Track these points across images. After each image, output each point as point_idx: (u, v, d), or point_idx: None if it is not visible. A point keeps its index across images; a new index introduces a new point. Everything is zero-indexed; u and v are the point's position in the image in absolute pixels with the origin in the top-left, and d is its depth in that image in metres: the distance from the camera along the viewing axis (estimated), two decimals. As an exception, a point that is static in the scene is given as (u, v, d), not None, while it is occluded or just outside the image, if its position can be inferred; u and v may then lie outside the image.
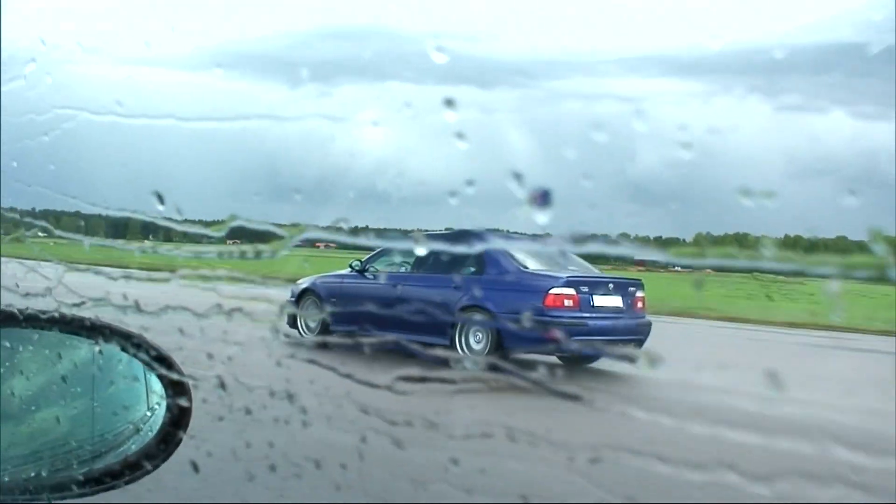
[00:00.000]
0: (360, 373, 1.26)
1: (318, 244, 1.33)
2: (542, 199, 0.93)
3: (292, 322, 10.38)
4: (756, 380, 0.85)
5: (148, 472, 1.41)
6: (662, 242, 0.96)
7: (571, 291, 9.86)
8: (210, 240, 1.26)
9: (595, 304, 10.04)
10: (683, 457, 0.92)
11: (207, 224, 1.28)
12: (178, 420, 1.43)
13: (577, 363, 9.04)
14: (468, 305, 10.22)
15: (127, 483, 1.40)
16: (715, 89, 0.94)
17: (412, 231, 1.19)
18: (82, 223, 1.55)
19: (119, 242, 1.50)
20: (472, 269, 10.42)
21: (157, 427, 1.44)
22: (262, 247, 1.17)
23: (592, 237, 0.92)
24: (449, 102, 0.97)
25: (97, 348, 1.45)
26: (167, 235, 1.38)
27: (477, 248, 1.13)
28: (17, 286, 1.52)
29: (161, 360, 1.43)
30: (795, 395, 0.93)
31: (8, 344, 1.44)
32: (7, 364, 1.45)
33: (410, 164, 1.36)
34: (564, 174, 0.99)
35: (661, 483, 1.10)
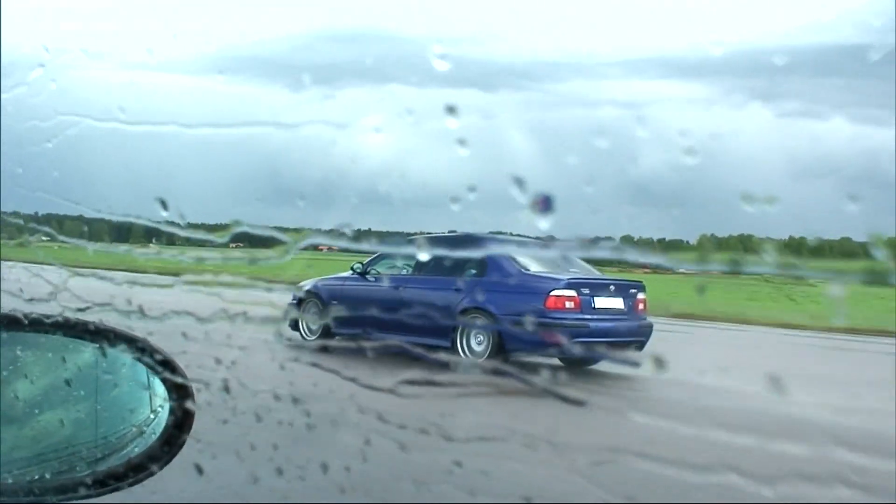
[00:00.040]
0: (364, 376, 1.27)
1: (320, 247, 1.34)
2: (545, 204, 0.94)
3: (294, 325, 10.38)
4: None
5: (152, 475, 1.42)
6: (667, 245, 0.97)
7: (573, 293, 9.86)
8: (213, 244, 1.26)
9: (596, 306, 10.04)
10: (684, 458, 0.93)
11: (211, 229, 1.29)
12: (181, 423, 1.43)
13: (578, 365, 9.03)
14: (469, 308, 10.22)
15: (130, 485, 1.40)
16: (716, 92, 0.95)
17: (415, 234, 1.19)
18: (86, 228, 1.56)
19: (123, 247, 1.51)
20: (474, 272, 10.42)
21: (160, 430, 1.44)
22: (265, 251, 1.18)
23: (598, 241, 0.92)
24: (451, 109, 0.98)
25: (101, 352, 1.46)
26: (171, 240, 1.38)
27: (479, 251, 1.13)
28: (21, 291, 1.53)
29: (165, 363, 1.44)
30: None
31: (12, 348, 1.45)
32: (11, 367, 1.46)
33: (412, 168, 1.37)
34: (567, 178, 1.00)
35: (662, 484, 1.10)
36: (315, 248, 1.30)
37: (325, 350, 1.55)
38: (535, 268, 10.21)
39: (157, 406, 1.47)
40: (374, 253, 10.64)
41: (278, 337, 1.29)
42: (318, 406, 1.45)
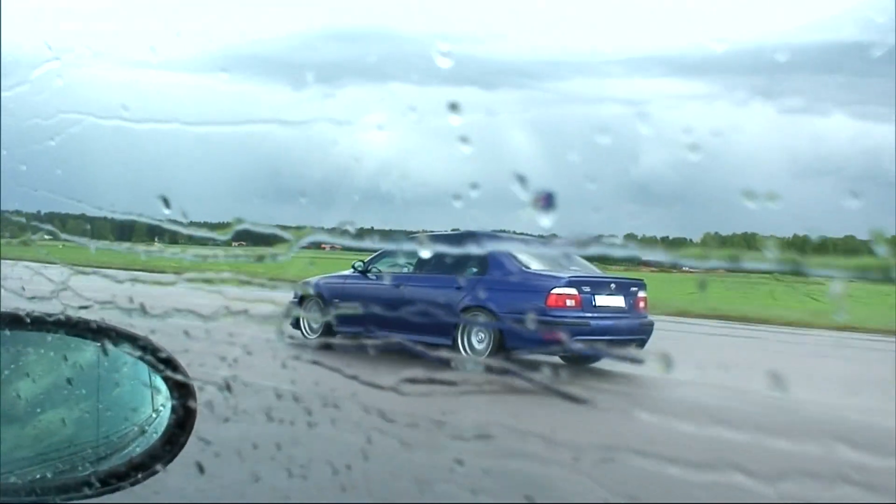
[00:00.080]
0: (365, 374, 1.27)
1: (323, 245, 1.34)
2: (546, 201, 0.94)
3: (296, 323, 10.38)
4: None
5: (153, 474, 1.42)
6: (670, 243, 0.96)
7: (573, 291, 9.87)
8: (216, 242, 1.26)
9: (597, 304, 10.04)
10: (686, 457, 0.93)
11: (213, 227, 1.29)
12: (183, 422, 1.43)
13: (579, 363, 9.04)
14: (471, 306, 10.23)
15: (132, 484, 1.40)
16: (719, 90, 0.95)
17: (417, 233, 1.19)
18: (88, 226, 1.56)
19: (125, 245, 1.51)
20: (475, 270, 10.42)
21: (162, 429, 1.44)
22: (266, 249, 1.18)
23: (600, 239, 0.92)
24: (453, 106, 0.98)
25: (103, 351, 1.46)
26: (174, 239, 1.38)
27: (480, 249, 1.13)
28: (23, 289, 1.53)
29: (166, 362, 1.44)
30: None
31: (13, 347, 1.45)
32: (13, 366, 1.46)
33: (414, 166, 1.37)
34: (568, 176, 1.00)
35: (664, 483, 1.10)
36: (318, 246, 1.30)
37: (326, 348, 1.55)
38: (536, 266, 10.22)
39: (158, 405, 1.47)
40: (376, 251, 10.65)
41: (279, 335, 1.29)
42: (320, 404, 1.45)
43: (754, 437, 0.89)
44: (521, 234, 1.64)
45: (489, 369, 1.19)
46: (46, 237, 1.59)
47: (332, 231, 1.14)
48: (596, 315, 9.94)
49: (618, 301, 10.30)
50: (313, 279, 11.26)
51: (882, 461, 0.82)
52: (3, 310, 1.45)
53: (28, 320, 1.42)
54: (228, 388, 1.39)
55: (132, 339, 1.43)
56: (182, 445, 1.43)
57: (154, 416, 1.48)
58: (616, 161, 1.12)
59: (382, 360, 1.31)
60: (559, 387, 1.07)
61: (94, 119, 1.43)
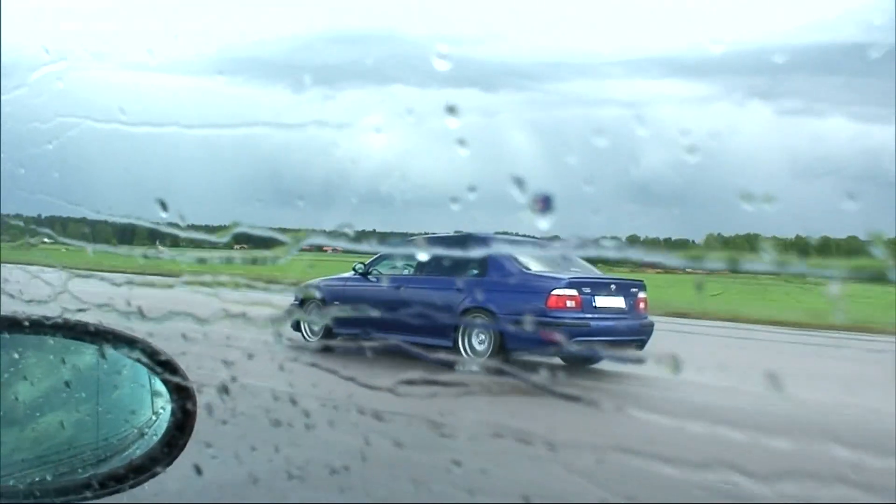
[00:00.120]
0: (363, 376, 1.27)
1: (324, 248, 1.34)
2: (544, 203, 0.94)
3: (296, 326, 10.38)
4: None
5: (152, 476, 1.41)
6: (673, 245, 0.96)
7: (574, 292, 9.87)
8: (214, 245, 1.26)
9: (597, 305, 10.05)
10: (684, 456, 0.93)
11: (211, 230, 1.29)
12: (182, 424, 1.43)
13: (579, 364, 9.03)
14: (471, 307, 10.22)
15: (132, 487, 1.40)
16: (717, 91, 0.95)
17: (416, 235, 1.19)
18: (87, 230, 1.56)
19: (123, 248, 1.51)
20: (475, 272, 10.42)
21: (161, 431, 1.44)
22: (265, 252, 1.18)
23: (601, 241, 0.92)
24: (451, 109, 0.98)
25: (101, 353, 1.46)
26: (175, 242, 1.38)
27: (480, 250, 1.13)
28: (21, 292, 1.53)
29: (165, 364, 1.44)
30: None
31: (12, 350, 1.45)
32: (11, 370, 1.46)
33: (413, 169, 1.37)
34: (567, 178, 1.00)
35: (662, 483, 1.10)
36: (319, 248, 1.30)
37: (325, 350, 1.55)
38: (536, 267, 10.22)
39: (158, 408, 1.47)
40: (376, 253, 10.64)
41: (278, 338, 1.29)
42: (318, 406, 1.45)
43: (753, 436, 0.89)
44: (524, 235, 1.64)
45: (487, 370, 1.19)
46: (46, 241, 1.59)
47: (331, 233, 1.14)
48: (596, 316, 9.94)
49: (618, 302, 10.31)
50: (314, 282, 11.25)
51: (881, 461, 0.81)
52: (1, 313, 1.45)
53: (27, 323, 1.42)
54: (226, 390, 1.39)
55: (131, 342, 1.43)
56: (182, 448, 1.43)
57: (153, 418, 1.48)
58: (616, 162, 1.12)
59: (380, 362, 1.31)
60: (557, 387, 1.07)
61: (92, 122, 1.43)
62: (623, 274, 10.98)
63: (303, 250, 1.17)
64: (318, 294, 11.19)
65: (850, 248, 0.84)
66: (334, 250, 1.59)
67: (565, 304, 9.78)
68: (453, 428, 1.21)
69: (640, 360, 1.19)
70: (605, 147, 0.96)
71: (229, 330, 1.31)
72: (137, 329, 1.42)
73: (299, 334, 10.50)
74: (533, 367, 1.09)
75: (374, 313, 1.41)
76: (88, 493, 1.37)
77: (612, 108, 1.00)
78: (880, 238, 0.72)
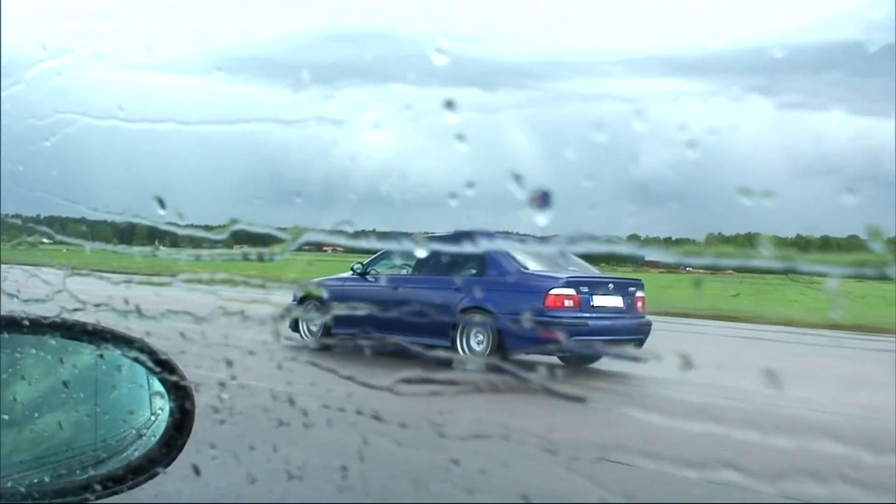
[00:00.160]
0: (361, 375, 1.27)
1: (325, 248, 1.33)
2: (542, 200, 0.93)
3: (294, 326, 10.36)
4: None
5: (151, 477, 1.41)
6: (673, 243, 0.96)
7: (571, 292, 9.88)
8: (212, 243, 1.26)
9: (595, 304, 10.06)
10: (684, 456, 0.92)
11: (210, 228, 1.28)
12: (180, 424, 1.43)
13: (577, 363, 9.04)
14: (469, 307, 10.22)
15: (130, 488, 1.40)
16: (716, 89, 0.95)
17: (415, 233, 1.19)
18: (85, 228, 1.55)
19: (121, 247, 1.50)
20: (473, 271, 10.42)
21: (160, 431, 1.44)
22: (264, 250, 1.17)
23: (602, 239, 0.91)
24: (449, 104, 0.97)
25: (99, 353, 1.45)
26: (174, 241, 1.38)
27: (478, 249, 1.13)
28: (19, 292, 1.52)
29: (163, 364, 1.43)
30: None
31: (10, 350, 1.44)
32: (9, 370, 1.45)
33: (413, 167, 1.36)
34: (566, 175, 0.99)
35: (661, 482, 1.10)
36: (319, 248, 1.30)
37: (323, 349, 1.55)
38: (534, 266, 10.23)
39: (156, 408, 1.47)
40: (376, 252, 10.63)
41: (276, 337, 1.29)
42: (316, 405, 1.45)
43: (753, 435, 0.88)
44: (526, 234, 1.63)
45: (486, 369, 1.19)
46: (45, 241, 1.59)
47: (330, 232, 1.14)
48: (594, 315, 9.95)
49: (616, 301, 10.31)
50: (313, 281, 11.20)
51: (880, 460, 0.81)
52: (0, 312, 1.45)
53: (25, 323, 1.41)
54: (224, 389, 1.39)
55: (128, 342, 1.43)
56: (180, 448, 1.43)
57: (152, 419, 1.47)
58: (615, 160, 1.11)
59: (379, 361, 1.31)
60: (556, 387, 1.07)
61: (90, 119, 1.43)
62: (623, 273, 10.99)
63: (302, 249, 1.17)
64: (318, 292, 11.14)
65: (851, 246, 0.84)
66: (334, 250, 1.59)
67: (563, 303, 9.79)
68: (452, 427, 1.20)
69: (638, 359, 1.19)
70: (605, 143, 0.96)
71: (227, 329, 1.31)
72: (135, 328, 1.41)
73: (297, 335, 10.48)
74: (531, 367, 1.09)
75: (373, 313, 1.41)
76: (87, 494, 1.37)
77: (611, 102, 1.00)
78: (879, 233, 0.72)
